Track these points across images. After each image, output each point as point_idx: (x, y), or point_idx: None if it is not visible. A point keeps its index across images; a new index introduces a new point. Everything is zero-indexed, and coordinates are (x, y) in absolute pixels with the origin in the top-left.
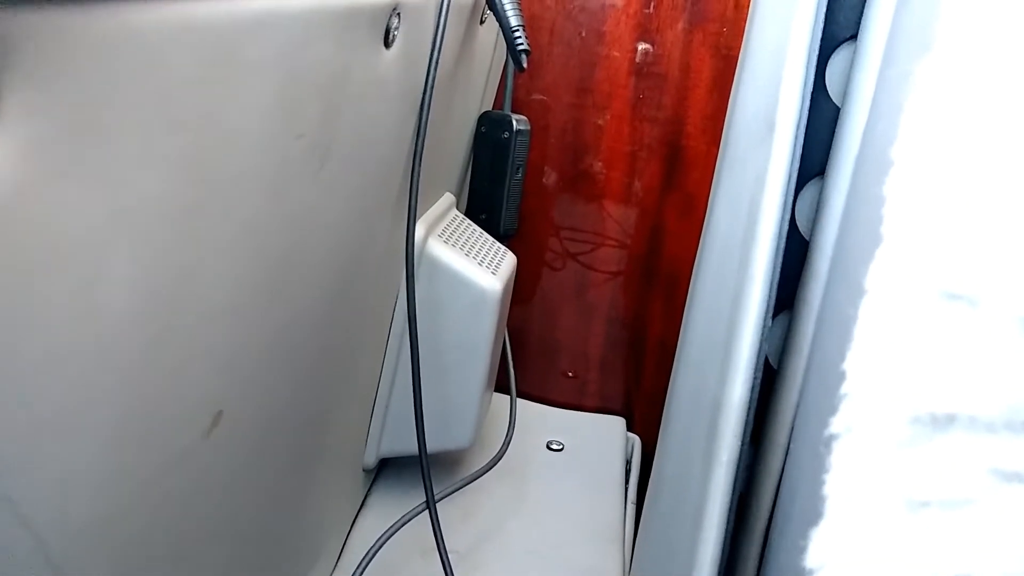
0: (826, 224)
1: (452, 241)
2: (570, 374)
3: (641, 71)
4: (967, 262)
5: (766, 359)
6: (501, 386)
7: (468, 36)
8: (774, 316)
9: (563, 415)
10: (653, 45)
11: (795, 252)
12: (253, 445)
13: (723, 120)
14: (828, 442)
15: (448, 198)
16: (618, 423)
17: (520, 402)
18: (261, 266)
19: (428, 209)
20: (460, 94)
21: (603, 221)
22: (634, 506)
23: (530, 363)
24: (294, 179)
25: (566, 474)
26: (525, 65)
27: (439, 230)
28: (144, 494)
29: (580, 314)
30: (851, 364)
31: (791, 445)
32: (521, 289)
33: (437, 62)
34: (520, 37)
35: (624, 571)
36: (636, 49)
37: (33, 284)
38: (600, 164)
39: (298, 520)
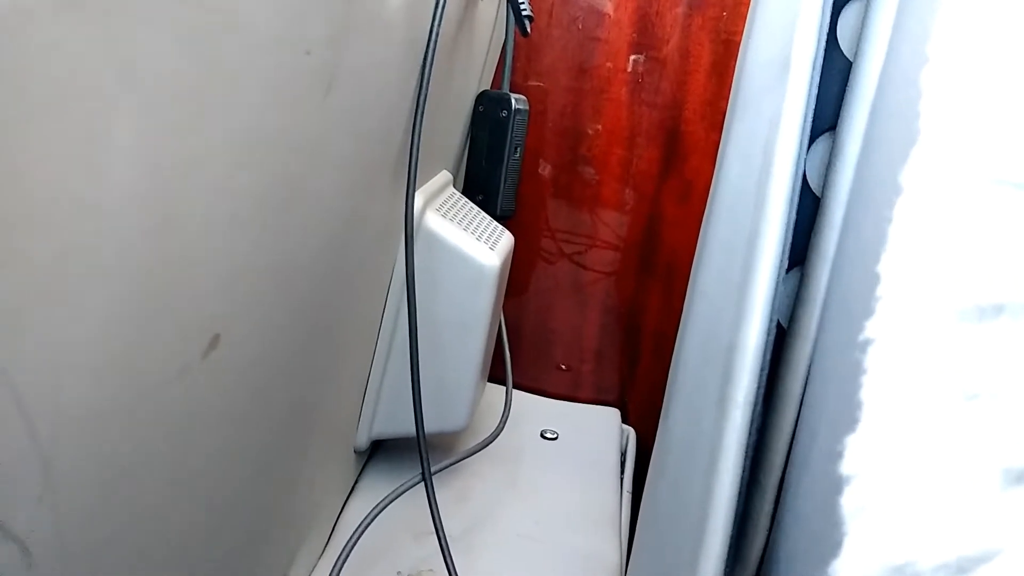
0: (840, 174)
1: (450, 216)
2: (563, 367)
3: (639, 55)
4: (1011, 146)
5: (777, 322)
6: (495, 376)
7: (470, 6)
8: (786, 270)
9: (557, 405)
10: (653, 28)
11: (807, 208)
12: (249, 383)
13: (723, 106)
14: (864, 347)
15: (445, 175)
16: (613, 414)
17: (514, 392)
18: (264, 185)
19: (426, 183)
20: (460, 67)
21: (600, 212)
22: (630, 495)
23: (524, 355)
24: (301, 98)
25: (560, 462)
26: (529, 30)
27: (436, 204)
28: (139, 403)
29: (576, 306)
30: (887, 265)
31: (812, 368)
32: (516, 281)
33: (441, 18)
34: (525, 1)
35: (621, 556)
36: (634, 34)
37: (36, 121)
38: (597, 150)
39: (289, 492)
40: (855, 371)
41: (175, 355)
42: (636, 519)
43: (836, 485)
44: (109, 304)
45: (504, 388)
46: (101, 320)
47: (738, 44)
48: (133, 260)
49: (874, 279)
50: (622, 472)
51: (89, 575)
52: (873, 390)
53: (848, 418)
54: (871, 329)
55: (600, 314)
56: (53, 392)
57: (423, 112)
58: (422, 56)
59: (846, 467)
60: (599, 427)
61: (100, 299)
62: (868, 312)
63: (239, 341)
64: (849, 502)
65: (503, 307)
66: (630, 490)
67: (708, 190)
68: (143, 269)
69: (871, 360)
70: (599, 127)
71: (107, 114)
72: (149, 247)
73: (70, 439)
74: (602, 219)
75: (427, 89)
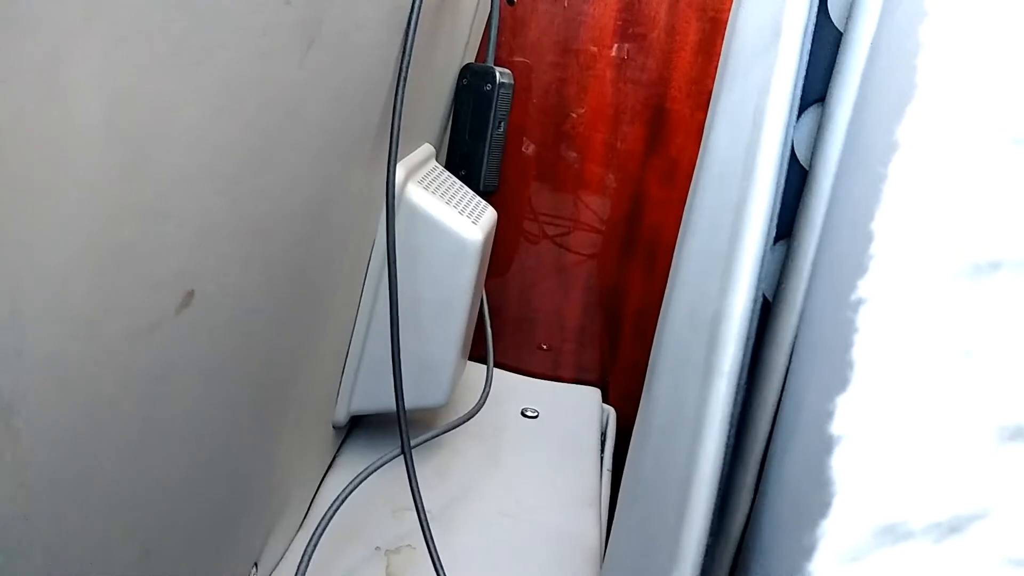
0: (829, 143)
1: (432, 189)
2: (544, 347)
3: (625, 32)
4: (1011, 100)
5: (763, 295)
6: (476, 356)
7: None
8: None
9: (538, 384)
10: (639, 4)
11: (794, 180)
12: (224, 346)
13: (709, 84)
14: (856, 306)
15: (428, 148)
16: (594, 394)
17: (495, 371)
18: (239, 137)
19: (408, 155)
20: (444, 38)
21: (582, 195)
22: (609, 474)
23: (506, 335)
24: (279, 51)
25: (541, 440)
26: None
27: (418, 177)
28: (106, 355)
29: (558, 286)
30: (880, 223)
31: (798, 339)
32: (498, 261)
33: None
34: None
35: (601, 535)
36: (620, 11)
37: None
38: (581, 128)
39: (265, 464)
40: (846, 331)
41: (145, 308)
42: (616, 498)
43: (826, 446)
44: (71, 246)
45: (485, 367)
46: (61, 263)
47: (725, 22)
48: (99, 201)
49: (867, 237)
50: (602, 451)
51: (53, 532)
52: (865, 349)
53: (839, 378)
54: (864, 288)
55: (582, 295)
56: (15, 334)
57: (405, 80)
58: (406, 21)
59: (836, 427)
60: (580, 406)
61: (61, 238)
62: (861, 271)
63: (214, 300)
64: (839, 462)
65: (485, 286)
66: (610, 469)
67: (693, 169)
68: (110, 212)
69: (863, 319)
70: (583, 110)
71: (73, 40)
72: (117, 189)
73: (33, 385)
74: (585, 202)
75: (410, 56)
